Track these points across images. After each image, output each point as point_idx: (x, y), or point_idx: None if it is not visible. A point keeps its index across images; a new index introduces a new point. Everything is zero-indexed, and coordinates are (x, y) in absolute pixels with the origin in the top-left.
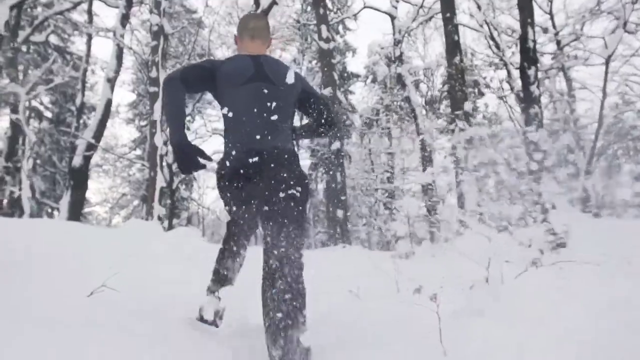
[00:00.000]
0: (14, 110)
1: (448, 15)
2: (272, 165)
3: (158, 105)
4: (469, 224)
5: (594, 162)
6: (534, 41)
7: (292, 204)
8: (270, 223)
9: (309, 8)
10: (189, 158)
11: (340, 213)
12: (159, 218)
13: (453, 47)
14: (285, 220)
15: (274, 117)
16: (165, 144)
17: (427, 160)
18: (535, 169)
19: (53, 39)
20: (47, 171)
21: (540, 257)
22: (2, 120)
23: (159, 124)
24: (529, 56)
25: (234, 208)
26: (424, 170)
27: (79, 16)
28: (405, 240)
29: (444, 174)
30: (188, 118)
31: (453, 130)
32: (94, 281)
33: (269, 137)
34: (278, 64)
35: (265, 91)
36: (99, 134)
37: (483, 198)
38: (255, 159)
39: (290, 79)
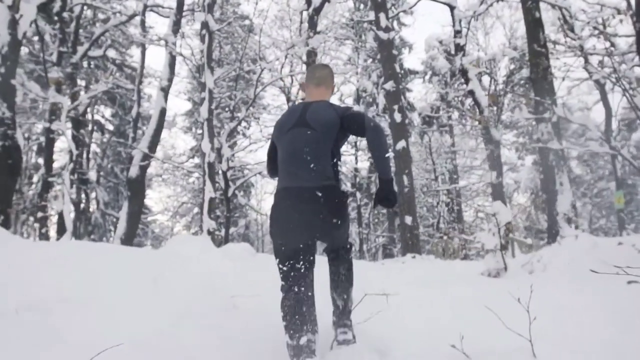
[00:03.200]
0: (76, 124)
1: None
2: (310, 200)
3: (204, 108)
4: (563, 229)
5: None
6: None
7: (333, 228)
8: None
9: (362, 6)
10: None
11: (408, 220)
12: (209, 232)
13: (535, 25)
14: (331, 241)
15: (308, 158)
16: (213, 150)
17: (494, 156)
18: None
19: (112, 54)
20: (111, 182)
21: None
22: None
23: (206, 129)
24: None
25: (279, 239)
26: (491, 168)
27: (134, 29)
28: (496, 255)
29: (512, 172)
30: (244, 124)
31: (540, 120)
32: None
33: (305, 176)
34: (322, 109)
35: (303, 135)
36: (154, 143)
37: (578, 199)
38: (295, 195)
39: (328, 121)
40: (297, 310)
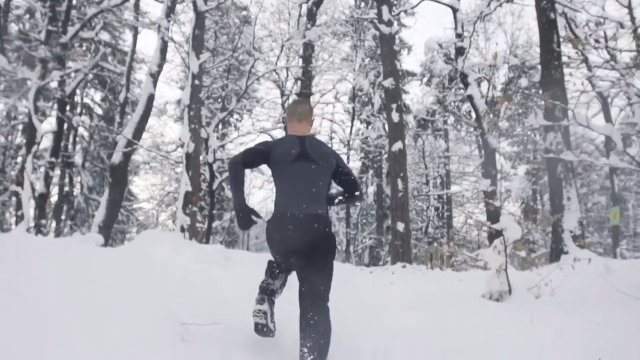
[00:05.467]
0: (61, 106)
1: None
2: (308, 227)
3: (186, 94)
4: (569, 247)
5: None
6: None
7: (321, 261)
8: (303, 274)
9: (362, 4)
10: (246, 219)
11: (401, 226)
12: (182, 229)
13: (549, 26)
14: (315, 274)
15: (313, 189)
16: (193, 140)
17: (490, 164)
18: None
19: (105, 37)
20: (97, 167)
21: None
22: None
23: (186, 117)
24: None
25: (277, 255)
26: (484, 175)
27: (128, 13)
28: (500, 276)
29: (505, 180)
30: (236, 116)
31: (549, 129)
32: None
33: (308, 205)
34: (319, 145)
35: (307, 169)
36: (139, 130)
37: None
38: (296, 221)
39: (328, 160)
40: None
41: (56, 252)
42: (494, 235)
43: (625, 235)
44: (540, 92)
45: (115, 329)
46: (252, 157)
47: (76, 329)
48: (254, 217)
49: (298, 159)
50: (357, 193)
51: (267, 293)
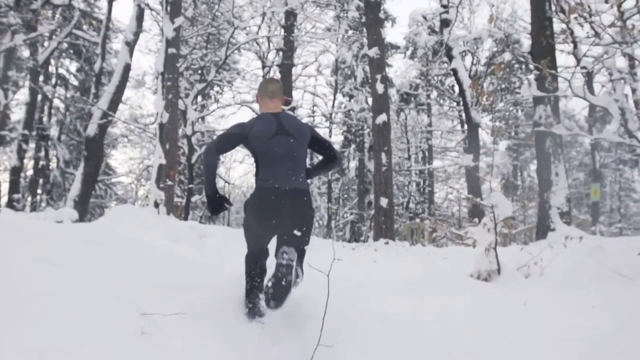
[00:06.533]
0: (34, 76)
1: None
2: (290, 199)
3: (159, 61)
4: (555, 224)
5: None
6: None
7: (301, 226)
8: (285, 237)
9: None
10: (218, 205)
11: (384, 202)
12: (156, 204)
13: None
14: (294, 234)
15: (294, 162)
16: (167, 110)
17: (473, 139)
18: None
19: (81, 5)
20: (73, 140)
21: None
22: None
23: (160, 85)
24: None
25: (257, 226)
26: (468, 150)
27: None
28: (489, 255)
29: (486, 156)
30: (217, 89)
31: (538, 101)
32: None
33: (290, 178)
34: (293, 119)
35: (287, 143)
36: (115, 101)
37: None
38: (278, 194)
39: (304, 133)
40: (259, 279)
41: (9, 229)
42: (480, 211)
43: (602, 211)
44: (531, 61)
45: (61, 322)
46: (227, 143)
47: (11, 321)
48: (225, 204)
49: (277, 134)
50: (334, 156)
51: (258, 312)
